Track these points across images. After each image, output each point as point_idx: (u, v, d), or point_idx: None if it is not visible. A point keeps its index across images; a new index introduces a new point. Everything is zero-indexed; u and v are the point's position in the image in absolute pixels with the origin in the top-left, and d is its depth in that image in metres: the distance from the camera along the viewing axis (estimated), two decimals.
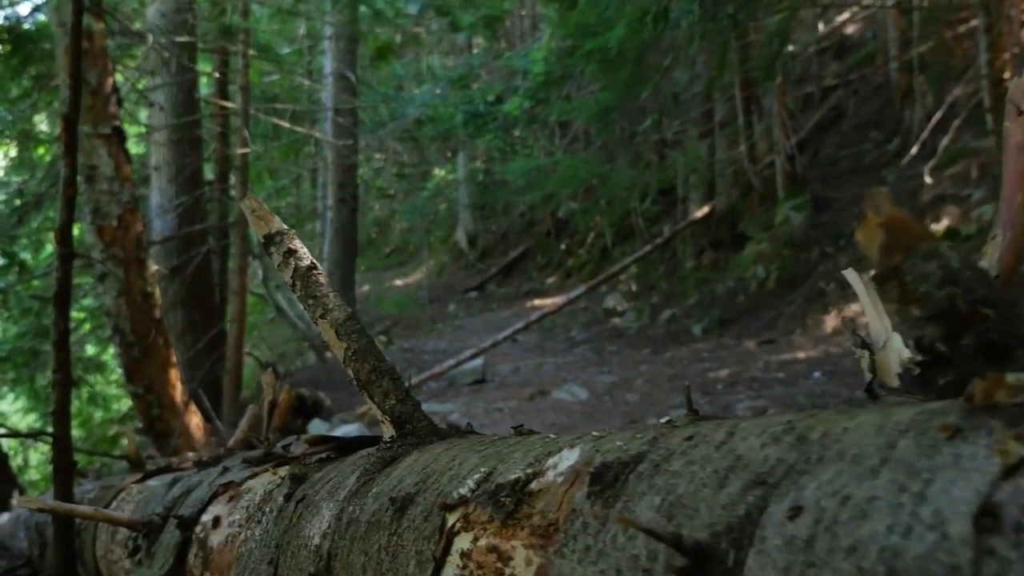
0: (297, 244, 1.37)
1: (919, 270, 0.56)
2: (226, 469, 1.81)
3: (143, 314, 5.94)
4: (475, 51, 20.50)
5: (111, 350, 10.74)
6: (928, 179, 10.26)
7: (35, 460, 12.82)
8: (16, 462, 10.91)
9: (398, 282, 20.80)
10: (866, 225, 0.61)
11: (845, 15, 14.47)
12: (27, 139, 9.94)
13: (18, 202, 9.71)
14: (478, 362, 9.73)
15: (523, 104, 15.37)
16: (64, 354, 2.89)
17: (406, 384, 1.22)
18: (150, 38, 8.70)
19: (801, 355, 8.73)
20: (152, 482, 2.50)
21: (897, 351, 0.70)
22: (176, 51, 9.13)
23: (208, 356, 9.16)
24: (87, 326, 10.83)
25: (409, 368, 10.00)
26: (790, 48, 11.95)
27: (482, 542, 0.83)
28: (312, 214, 17.28)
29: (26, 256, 9.98)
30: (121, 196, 5.90)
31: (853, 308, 9.71)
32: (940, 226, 9.56)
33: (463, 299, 17.74)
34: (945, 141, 10.44)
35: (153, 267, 6.26)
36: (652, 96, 10.94)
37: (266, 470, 1.62)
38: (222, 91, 10.32)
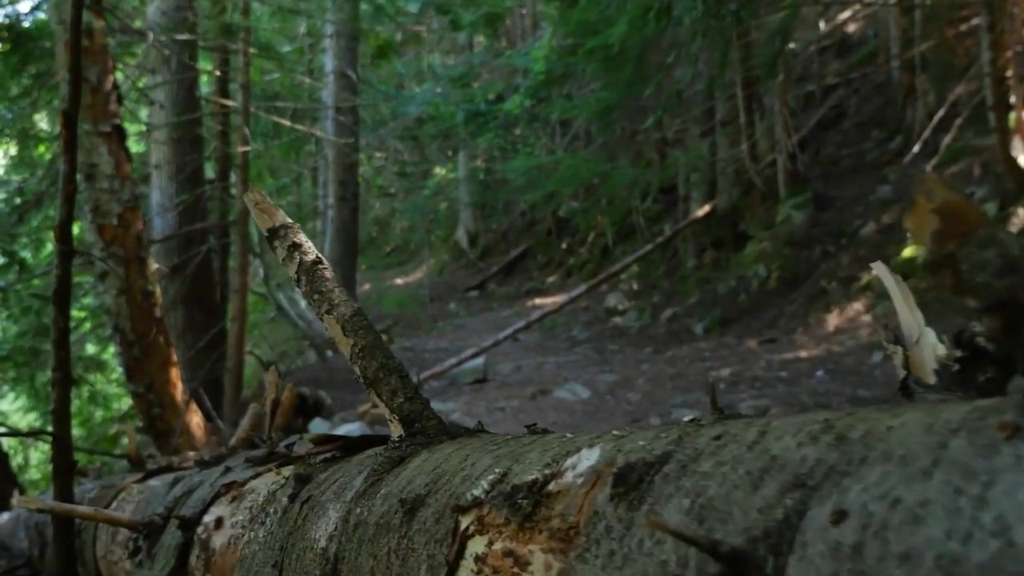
0: (302, 238, 1.34)
1: (976, 258, 0.53)
2: (228, 469, 1.78)
3: (144, 313, 5.91)
4: (476, 50, 20.46)
5: (111, 349, 10.72)
6: None
7: (35, 459, 12.80)
8: (16, 461, 10.89)
9: (399, 281, 20.77)
10: (917, 211, 0.58)
11: (847, 13, 14.43)
12: (27, 137, 9.91)
13: (18, 201, 9.69)
14: (479, 361, 9.70)
15: (524, 103, 15.34)
16: (64, 352, 2.86)
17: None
18: (150, 36, 8.67)
19: (803, 354, 8.71)
20: (153, 482, 2.47)
21: (932, 346, 0.67)
22: (177, 49, 9.11)
23: (209, 355, 9.14)
24: (87, 325, 10.80)
25: (410, 367, 9.96)
26: (791, 46, 11.92)
27: (497, 546, 0.79)
28: (313, 212, 17.26)
29: (26, 255, 9.96)
30: (121, 194, 5.87)
31: (855, 307, 9.68)
32: None
33: (464, 298, 17.72)
34: (947, 139, 10.42)
35: (154, 266, 6.23)
36: (653, 94, 10.92)
37: (269, 470, 1.58)
38: (223, 89, 10.29)
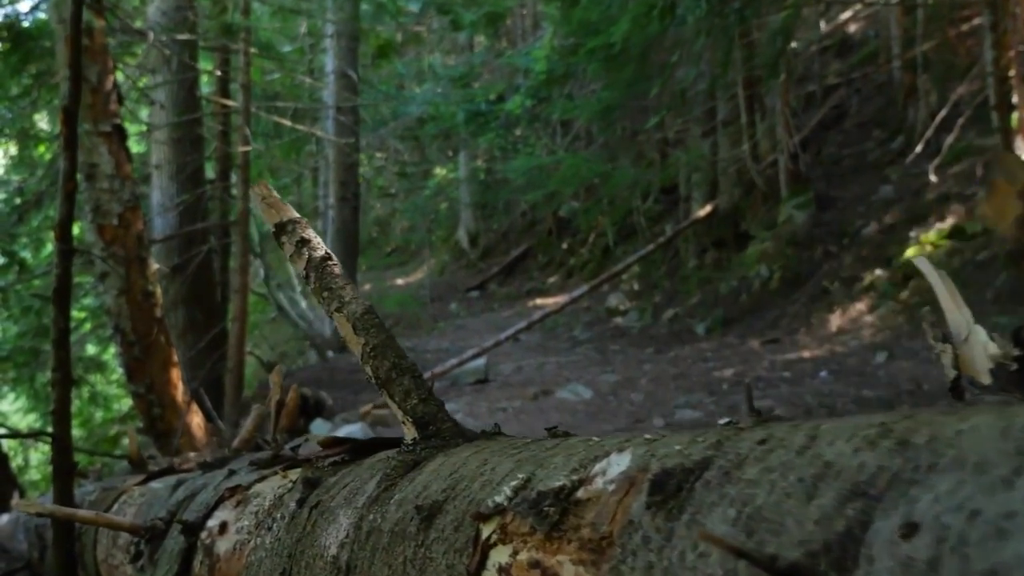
0: (310, 233, 1.30)
1: None
2: (232, 472, 1.74)
3: (144, 313, 5.88)
4: (476, 50, 20.43)
5: (112, 349, 10.69)
6: (933, 177, 10.20)
7: (35, 460, 12.76)
8: (16, 462, 10.86)
9: (399, 281, 20.73)
10: (996, 194, 0.54)
11: (848, 13, 14.40)
12: (27, 137, 9.89)
13: (18, 201, 9.66)
14: (481, 361, 9.66)
15: (525, 103, 15.30)
16: (64, 352, 2.82)
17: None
18: (151, 36, 8.64)
19: (806, 354, 8.67)
20: (155, 484, 2.43)
21: (983, 345, 0.63)
22: (177, 49, 9.08)
23: (209, 355, 9.11)
24: (88, 325, 10.77)
25: None
26: (793, 46, 11.89)
27: (522, 556, 0.75)
28: (313, 213, 17.22)
29: (26, 255, 9.93)
30: (122, 194, 5.84)
31: (858, 307, 9.65)
32: (945, 224, 9.50)
33: (465, 298, 17.68)
34: (950, 139, 10.39)
35: (154, 266, 6.20)
36: (655, 94, 10.89)
37: (275, 473, 1.54)
38: (223, 89, 10.26)
